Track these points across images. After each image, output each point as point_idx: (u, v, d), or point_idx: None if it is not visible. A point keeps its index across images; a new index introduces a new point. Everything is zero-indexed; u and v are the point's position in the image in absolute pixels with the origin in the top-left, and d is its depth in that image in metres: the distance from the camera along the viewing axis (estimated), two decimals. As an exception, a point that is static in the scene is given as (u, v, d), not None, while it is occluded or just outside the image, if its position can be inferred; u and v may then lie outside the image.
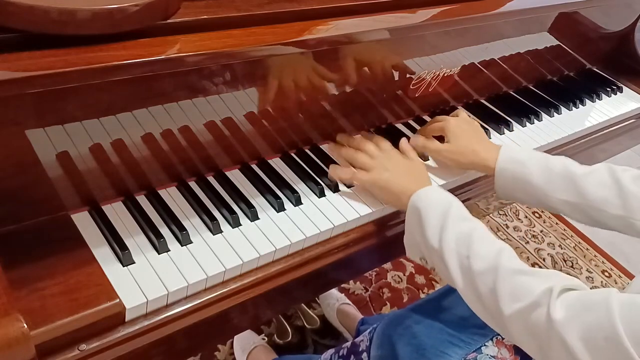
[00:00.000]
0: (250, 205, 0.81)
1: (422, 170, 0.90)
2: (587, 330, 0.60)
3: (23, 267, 0.64)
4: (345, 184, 0.90)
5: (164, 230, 0.74)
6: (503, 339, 0.92)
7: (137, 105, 0.70)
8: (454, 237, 0.73)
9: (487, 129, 1.12)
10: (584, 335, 0.60)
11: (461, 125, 0.97)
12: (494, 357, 0.89)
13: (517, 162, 0.89)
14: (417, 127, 1.07)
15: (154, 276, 0.68)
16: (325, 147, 0.97)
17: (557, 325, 0.61)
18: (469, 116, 1.04)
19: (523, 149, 0.92)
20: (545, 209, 0.91)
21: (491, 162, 0.91)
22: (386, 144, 0.92)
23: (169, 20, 0.66)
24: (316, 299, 1.52)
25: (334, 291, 1.54)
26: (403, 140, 0.94)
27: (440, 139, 0.98)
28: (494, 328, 0.72)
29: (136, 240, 0.72)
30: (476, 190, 1.03)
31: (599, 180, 0.86)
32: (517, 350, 0.90)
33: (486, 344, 0.91)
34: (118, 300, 0.64)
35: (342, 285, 1.60)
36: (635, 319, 0.57)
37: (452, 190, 0.95)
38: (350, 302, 1.52)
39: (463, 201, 0.81)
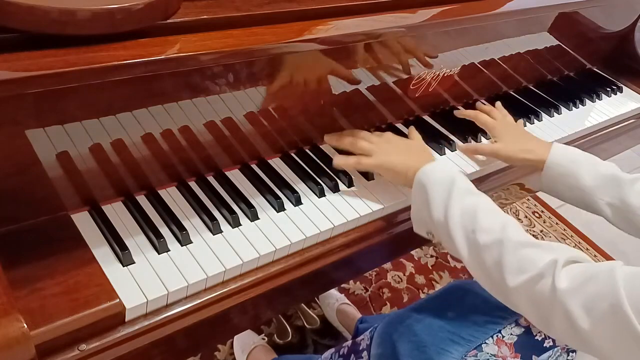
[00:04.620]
0: (250, 205, 0.81)
1: (422, 147, 0.93)
2: (590, 299, 0.61)
3: (23, 267, 0.64)
4: (346, 183, 0.90)
5: (164, 230, 0.74)
6: (504, 337, 0.92)
7: (137, 105, 0.70)
8: (459, 211, 0.75)
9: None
10: (586, 303, 0.61)
11: (509, 126, 1.03)
12: (494, 355, 0.89)
13: (568, 160, 0.92)
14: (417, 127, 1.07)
15: (154, 276, 0.68)
16: (325, 147, 0.97)
17: (560, 294, 0.62)
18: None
19: (574, 148, 0.96)
20: (585, 209, 0.94)
21: (543, 157, 0.94)
22: (379, 132, 0.94)
23: (169, 20, 0.66)
24: (316, 299, 1.52)
25: (334, 291, 1.54)
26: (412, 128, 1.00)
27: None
28: (499, 299, 0.73)
29: (136, 240, 0.72)
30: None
31: None
32: (517, 348, 0.90)
33: (487, 341, 0.91)
34: (118, 300, 0.64)
35: (342, 285, 1.60)
36: (638, 289, 0.58)
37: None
38: (349, 302, 1.52)
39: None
